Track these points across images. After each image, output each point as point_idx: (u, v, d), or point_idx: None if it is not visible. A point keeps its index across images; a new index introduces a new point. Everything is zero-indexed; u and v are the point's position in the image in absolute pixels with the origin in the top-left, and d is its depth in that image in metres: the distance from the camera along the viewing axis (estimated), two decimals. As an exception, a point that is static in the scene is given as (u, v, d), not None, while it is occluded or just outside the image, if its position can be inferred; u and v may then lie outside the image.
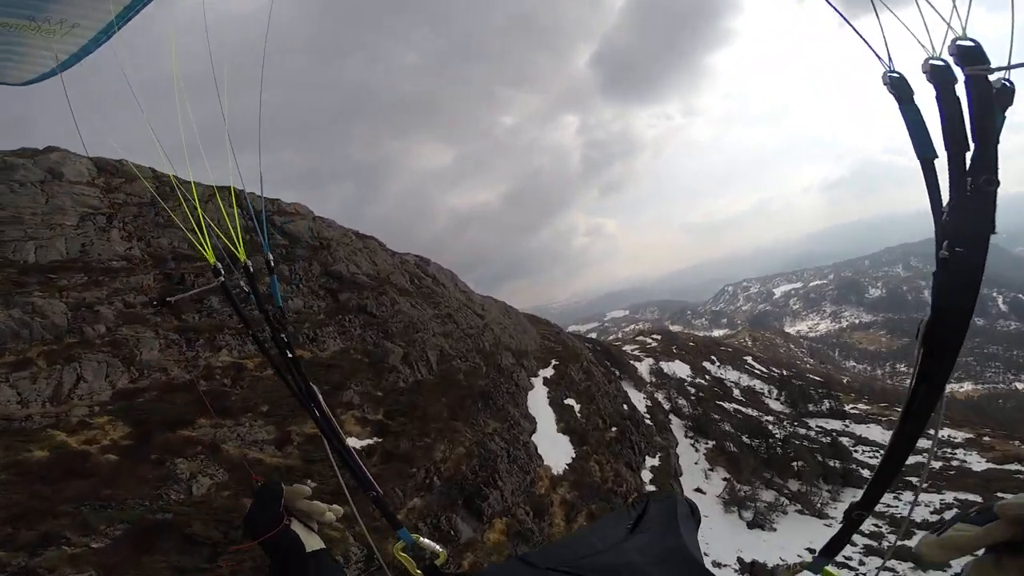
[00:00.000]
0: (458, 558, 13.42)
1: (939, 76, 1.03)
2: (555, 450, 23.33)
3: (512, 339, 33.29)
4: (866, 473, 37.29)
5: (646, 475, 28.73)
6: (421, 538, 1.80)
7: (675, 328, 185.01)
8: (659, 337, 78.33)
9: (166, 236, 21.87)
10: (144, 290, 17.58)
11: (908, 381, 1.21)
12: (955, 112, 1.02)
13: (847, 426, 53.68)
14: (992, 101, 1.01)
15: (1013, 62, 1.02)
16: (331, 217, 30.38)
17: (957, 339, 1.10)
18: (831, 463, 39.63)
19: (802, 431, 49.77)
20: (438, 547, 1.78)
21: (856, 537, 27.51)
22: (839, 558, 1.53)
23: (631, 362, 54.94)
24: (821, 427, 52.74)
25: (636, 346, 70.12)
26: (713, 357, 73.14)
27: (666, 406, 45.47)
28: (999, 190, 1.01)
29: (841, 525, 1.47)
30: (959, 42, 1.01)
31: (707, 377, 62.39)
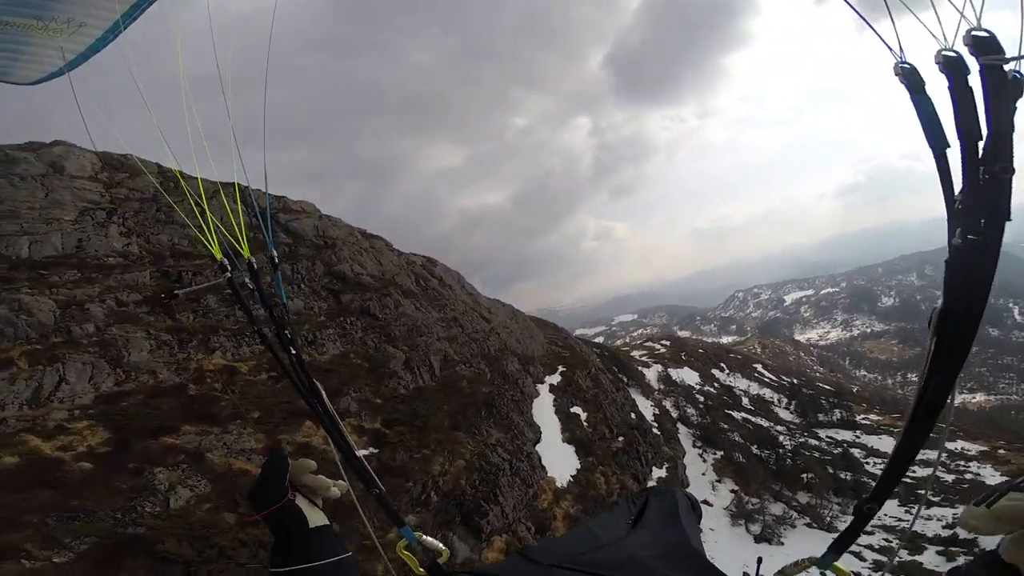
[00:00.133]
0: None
1: (952, 67, 1.04)
2: (559, 461, 22.68)
3: (519, 344, 32.57)
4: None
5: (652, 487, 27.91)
6: (424, 536, 1.79)
7: (683, 334, 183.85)
8: (668, 343, 77.72)
9: (166, 232, 21.38)
10: (139, 288, 17.05)
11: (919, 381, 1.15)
12: (968, 102, 1.03)
13: (858, 437, 52.83)
14: (1008, 90, 1.01)
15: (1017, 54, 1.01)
16: (344, 215, 29.85)
17: (970, 327, 1.10)
18: (842, 475, 38.79)
19: (812, 442, 49.10)
20: (441, 545, 1.76)
21: (865, 553, 26.56)
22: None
23: (639, 368, 54.17)
24: (831, 438, 52.00)
25: (644, 352, 69.41)
26: (722, 364, 72.54)
27: (674, 414, 44.72)
28: (1015, 180, 1.02)
29: (852, 519, 1.43)
30: (974, 32, 1.01)
31: (716, 385, 61.73)
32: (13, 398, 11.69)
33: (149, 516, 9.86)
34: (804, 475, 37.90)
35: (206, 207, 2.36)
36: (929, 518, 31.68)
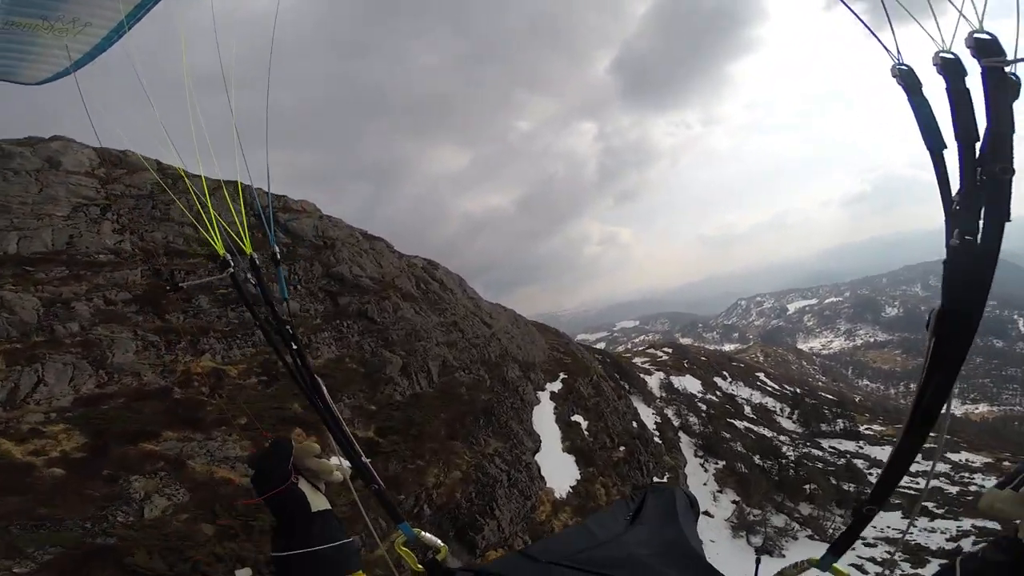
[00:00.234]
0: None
1: (950, 69, 1.06)
2: (559, 471, 22.15)
3: (520, 350, 31.99)
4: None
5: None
6: (422, 533, 1.82)
7: (685, 341, 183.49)
8: (670, 350, 77.40)
9: (161, 230, 20.90)
10: (129, 286, 16.55)
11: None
12: (965, 104, 1.05)
13: (861, 447, 52.56)
14: (1008, 92, 1.02)
15: (1009, 58, 1.03)
16: (348, 217, 29.42)
17: (969, 328, 1.10)
18: (845, 486, 38.36)
19: (815, 452, 48.85)
20: (439, 542, 1.80)
21: (868, 566, 26.45)
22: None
23: (641, 376, 53.70)
24: (834, 448, 51.77)
25: (647, 359, 69.03)
26: (725, 373, 72.27)
27: (676, 423, 44.38)
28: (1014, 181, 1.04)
29: (850, 521, 1.43)
30: (976, 35, 1.02)
31: (718, 393, 61.35)
32: (-13, 400, 11.16)
33: (121, 526, 9.33)
34: (806, 486, 37.72)
35: (208, 203, 2.35)
36: (933, 531, 31.67)
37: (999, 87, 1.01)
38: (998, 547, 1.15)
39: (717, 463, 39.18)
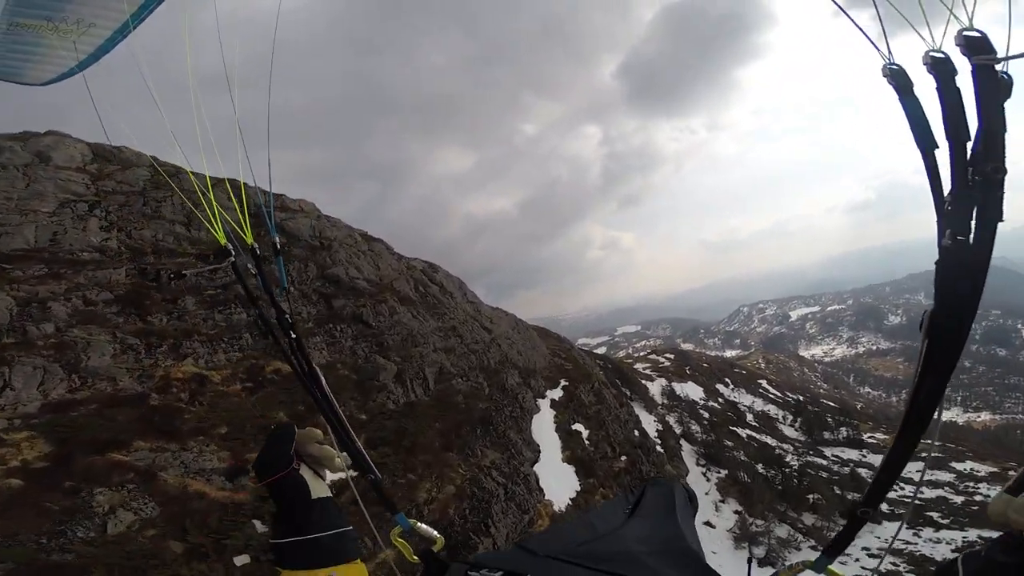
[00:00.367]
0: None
1: (940, 67, 1.06)
2: (559, 482, 21.47)
3: (520, 356, 31.24)
4: (884, 507, 35.75)
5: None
6: (418, 523, 1.83)
7: (687, 346, 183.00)
8: (672, 356, 76.83)
9: (151, 228, 20.23)
10: (111, 286, 15.84)
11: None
12: (956, 103, 1.05)
13: (864, 456, 52.08)
14: (999, 90, 1.02)
15: (1003, 55, 1.02)
16: (353, 217, 28.87)
17: (962, 330, 1.11)
18: (849, 496, 37.83)
19: (818, 461, 48.32)
20: (435, 533, 1.80)
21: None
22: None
23: (643, 382, 53.04)
24: (837, 456, 51.35)
25: (648, 365, 68.41)
26: (727, 379, 71.81)
27: (677, 430, 43.81)
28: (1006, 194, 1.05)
29: (845, 523, 1.44)
30: (966, 33, 1.02)
31: (720, 400, 60.78)
32: (-53, 406, 10.44)
33: (80, 542, 8.68)
34: (810, 496, 37.31)
35: (211, 194, 2.40)
36: (938, 541, 31.42)
37: (990, 85, 1.01)
38: (1005, 548, 1.06)
39: (719, 472, 38.67)
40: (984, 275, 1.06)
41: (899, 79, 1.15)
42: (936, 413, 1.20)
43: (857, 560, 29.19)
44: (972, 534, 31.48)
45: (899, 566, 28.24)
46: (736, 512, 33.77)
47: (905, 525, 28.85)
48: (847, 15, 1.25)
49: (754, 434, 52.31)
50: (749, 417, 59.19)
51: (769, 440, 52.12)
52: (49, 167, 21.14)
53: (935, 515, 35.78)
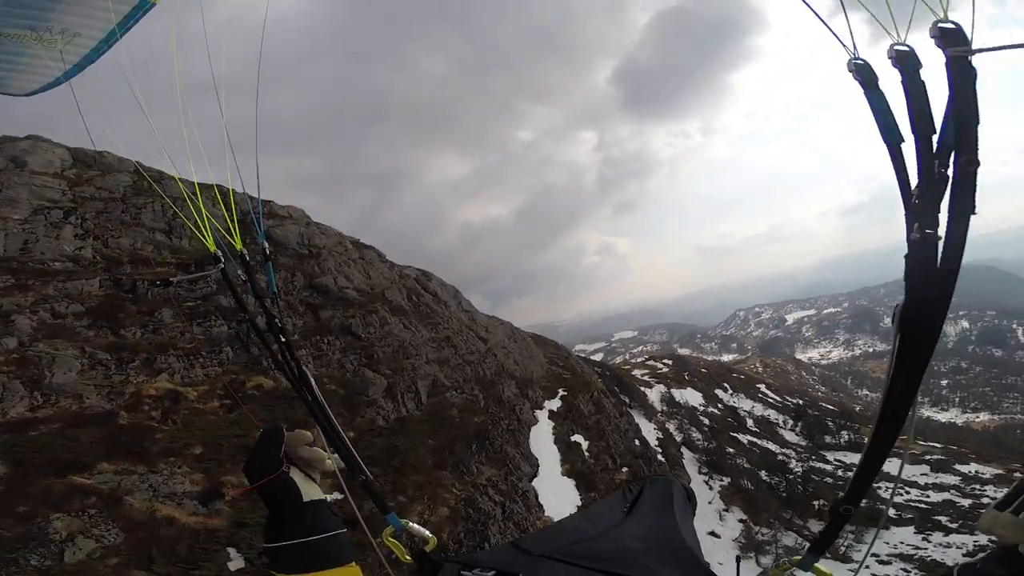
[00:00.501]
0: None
1: (905, 61, 1.06)
2: (558, 497, 20.62)
3: (517, 365, 30.35)
4: (892, 512, 35.80)
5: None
6: (410, 523, 1.83)
7: (684, 351, 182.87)
8: (670, 362, 76.28)
9: (129, 236, 19.33)
10: (83, 298, 14.91)
11: (887, 374, 1.22)
12: (921, 96, 1.05)
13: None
14: (973, 82, 1.02)
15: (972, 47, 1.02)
16: (348, 224, 28.10)
17: (935, 324, 1.10)
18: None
19: (821, 466, 47.62)
20: (427, 532, 1.79)
21: None
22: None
23: (641, 389, 52.28)
24: (840, 461, 50.97)
25: (646, 371, 67.80)
26: (726, 384, 71.34)
27: (678, 438, 43.05)
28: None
29: (828, 521, 1.47)
30: (941, 24, 1.02)
31: (720, 406, 60.19)
32: None
33: (34, 570, 7.89)
34: (815, 502, 36.80)
35: (199, 200, 2.55)
36: (948, 546, 31.03)
37: (965, 77, 1.00)
38: (999, 560, 1.07)
39: (722, 480, 38.01)
40: (956, 268, 1.04)
41: (864, 74, 1.15)
42: (911, 410, 1.19)
43: (867, 567, 28.57)
44: (983, 538, 31.02)
45: (910, 572, 27.69)
46: (741, 521, 33.15)
47: (880, 527, 28.84)
48: (813, 11, 1.24)
49: (755, 440, 51.78)
50: (749, 423, 58.70)
51: (771, 446, 51.62)
52: (24, 172, 20.29)
53: (943, 519, 35.26)
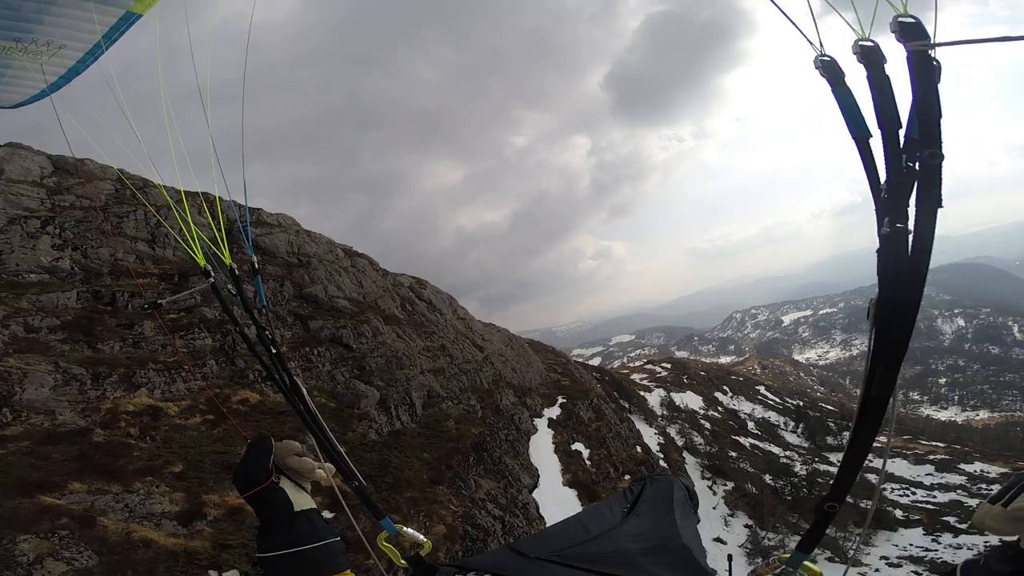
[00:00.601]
0: None
1: (870, 57, 1.06)
2: (560, 508, 19.93)
3: (515, 373, 29.65)
4: (899, 513, 35.54)
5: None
6: (405, 528, 2.01)
7: (682, 354, 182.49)
8: (668, 365, 75.57)
9: (108, 246, 18.62)
10: (58, 311, 14.22)
11: (865, 369, 1.19)
12: (887, 91, 1.05)
13: (870, 460, 50.07)
14: (934, 75, 1.00)
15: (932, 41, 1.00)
16: (342, 231, 27.46)
17: (908, 317, 1.09)
18: (862, 504, 36.55)
19: (824, 468, 47.00)
20: (422, 537, 1.96)
21: None
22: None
23: (641, 393, 51.61)
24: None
25: (645, 375, 67.13)
26: (725, 387, 70.72)
27: (679, 442, 42.24)
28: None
29: (814, 519, 1.51)
30: (900, 19, 1.00)
31: (720, 409, 59.53)
32: None
33: None
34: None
35: (187, 212, 2.66)
36: (959, 547, 30.43)
37: (926, 71, 0.98)
38: (1002, 556, 1.14)
39: (726, 485, 37.30)
40: (927, 260, 1.02)
41: (831, 70, 1.13)
42: (892, 401, 1.18)
43: (877, 571, 27.98)
44: (994, 539, 30.44)
45: (921, 574, 27.21)
46: (746, 526, 32.40)
47: (864, 530, 28.91)
48: (780, 10, 1.19)
49: (757, 443, 51.14)
50: (751, 425, 58.05)
51: (773, 448, 50.97)
52: (0, 180, 19.62)
53: (952, 519, 34.70)
